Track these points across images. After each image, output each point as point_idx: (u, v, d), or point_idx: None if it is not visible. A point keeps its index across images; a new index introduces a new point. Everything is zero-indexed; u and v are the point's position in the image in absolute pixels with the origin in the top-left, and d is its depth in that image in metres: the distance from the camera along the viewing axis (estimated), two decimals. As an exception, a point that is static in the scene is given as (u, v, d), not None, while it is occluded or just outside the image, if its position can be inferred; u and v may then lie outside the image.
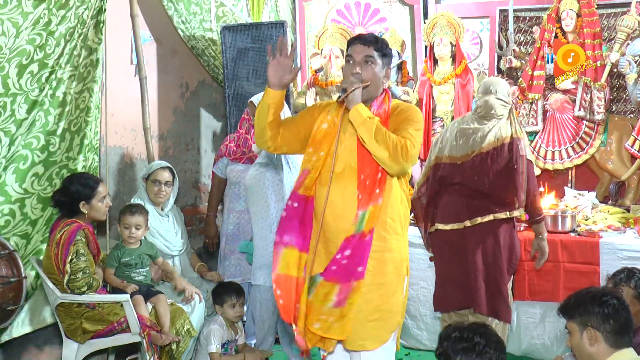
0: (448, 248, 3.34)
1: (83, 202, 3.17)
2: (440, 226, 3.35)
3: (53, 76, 3.35)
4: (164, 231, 3.78)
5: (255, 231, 3.67)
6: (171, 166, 3.88)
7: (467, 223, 3.24)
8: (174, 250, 3.82)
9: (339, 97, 2.51)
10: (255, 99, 3.76)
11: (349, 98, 2.47)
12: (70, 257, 3.03)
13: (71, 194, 3.17)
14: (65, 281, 3.03)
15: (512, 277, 3.47)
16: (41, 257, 3.28)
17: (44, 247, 3.32)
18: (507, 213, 3.22)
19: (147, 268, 3.44)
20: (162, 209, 3.84)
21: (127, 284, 3.29)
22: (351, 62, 2.55)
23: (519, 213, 3.32)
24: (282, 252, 2.58)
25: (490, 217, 3.21)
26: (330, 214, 2.53)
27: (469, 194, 3.27)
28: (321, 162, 2.56)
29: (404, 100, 4.48)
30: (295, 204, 2.59)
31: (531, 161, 3.36)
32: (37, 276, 3.32)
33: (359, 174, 2.51)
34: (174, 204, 3.94)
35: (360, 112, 2.46)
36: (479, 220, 3.23)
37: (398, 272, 2.59)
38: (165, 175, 3.78)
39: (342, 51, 4.64)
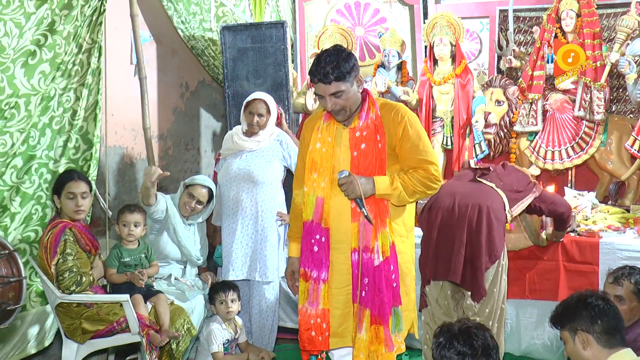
0: (439, 222, 3.29)
1: (56, 195, 3.19)
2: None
3: (60, 75, 3.36)
4: (184, 236, 3.73)
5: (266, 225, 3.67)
6: (212, 188, 3.81)
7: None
8: (190, 255, 3.77)
9: (362, 210, 2.49)
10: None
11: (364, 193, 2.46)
12: (56, 259, 3.03)
13: (54, 185, 3.23)
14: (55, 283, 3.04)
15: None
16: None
17: (22, 245, 3.30)
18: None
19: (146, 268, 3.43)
20: (187, 218, 3.80)
21: (137, 272, 3.29)
22: (322, 99, 2.50)
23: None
24: (321, 289, 2.59)
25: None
26: (334, 227, 2.57)
27: None
28: (328, 187, 2.57)
29: (404, 101, 4.50)
30: (323, 239, 2.58)
31: None
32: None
33: None
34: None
35: (384, 192, 2.48)
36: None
37: (408, 272, 2.65)
38: (202, 193, 3.74)
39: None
